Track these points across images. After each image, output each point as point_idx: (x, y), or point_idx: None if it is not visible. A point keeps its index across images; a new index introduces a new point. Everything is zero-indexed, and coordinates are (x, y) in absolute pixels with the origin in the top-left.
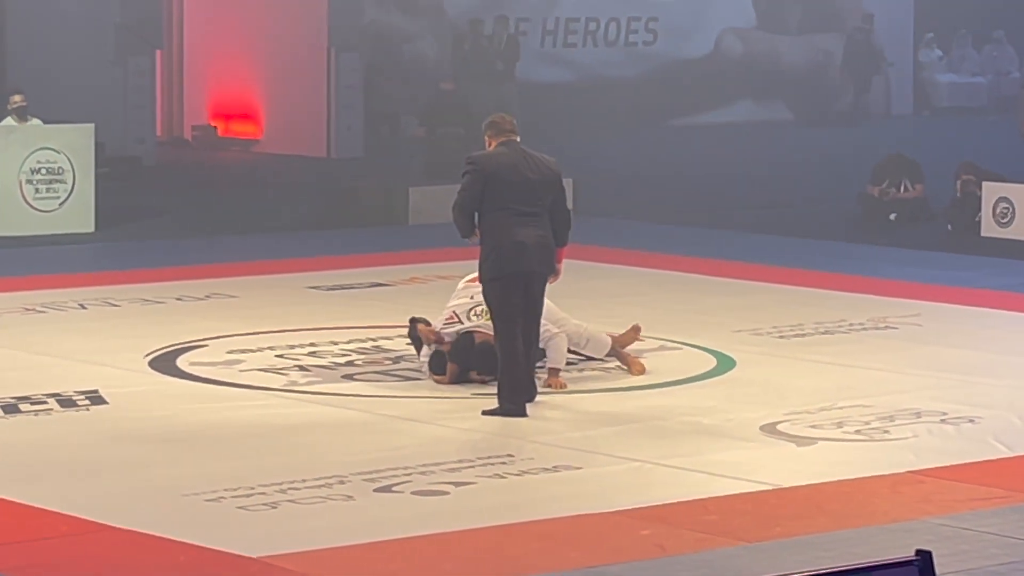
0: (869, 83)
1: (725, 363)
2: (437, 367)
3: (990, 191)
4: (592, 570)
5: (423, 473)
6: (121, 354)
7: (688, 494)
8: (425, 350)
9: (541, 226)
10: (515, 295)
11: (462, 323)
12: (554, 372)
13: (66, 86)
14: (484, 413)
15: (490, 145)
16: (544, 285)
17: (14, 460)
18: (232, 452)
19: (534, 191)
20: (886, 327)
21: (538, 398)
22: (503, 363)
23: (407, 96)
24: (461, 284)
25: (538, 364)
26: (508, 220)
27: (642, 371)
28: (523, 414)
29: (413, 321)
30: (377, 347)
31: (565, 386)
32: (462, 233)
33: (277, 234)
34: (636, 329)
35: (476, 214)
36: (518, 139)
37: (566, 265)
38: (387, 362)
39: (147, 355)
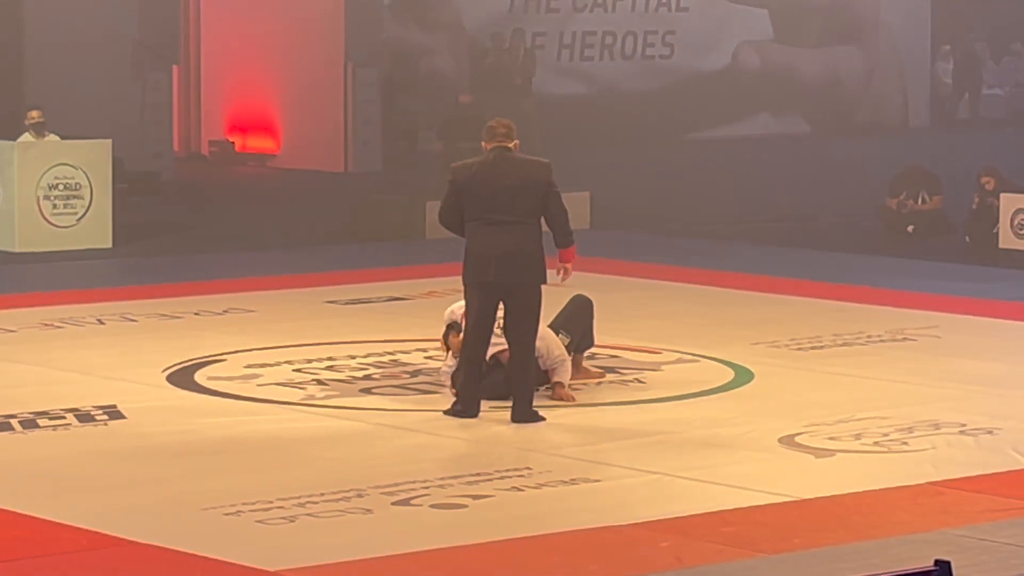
0: (979, 91)
1: (743, 375)
2: (458, 381)
3: (1008, 203)
4: None
5: (441, 486)
6: (139, 369)
7: (706, 506)
8: (449, 362)
9: (517, 235)
10: (482, 304)
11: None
12: (559, 385)
13: (84, 102)
14: (444, 413)
15: (485, 149)
16: (528, 295)
17: (33, 475)
18: (250, 466)
19: (512, 199)
20: (904, 339)
21: (556, 412)
22: (464, 369)
23: (425, 110)
24: None
25: (540, 387)
26: (479, 229)
27: (568, 399)
28: (469, 415)
29: (450, 327)
30: (395, 361)
31: (574, 399)
32: (443, 225)
33: (295, 249)
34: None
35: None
36: (511, 144)
37: (584, 278)
38: (405, 376)
39: (165, 370)
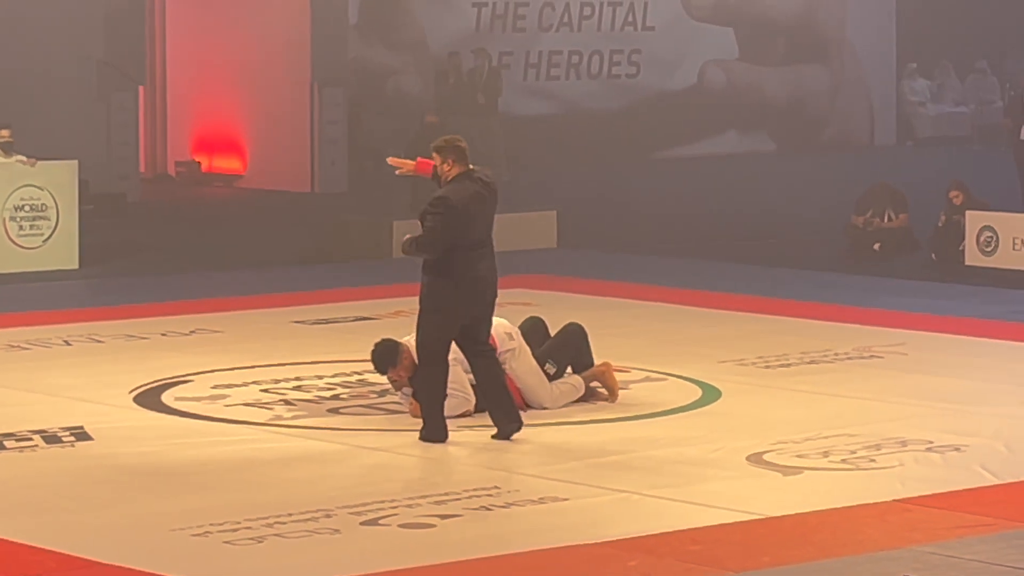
0: None
1: (711, 393)
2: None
3: (974, 220)
4: None
5: (409, 506)
6: (106, 390)
7: (674, 524)
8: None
9: (493, 258)
10: (452, 330)
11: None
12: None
13: (50, 123)
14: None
15: (450, 171)
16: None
17: None
18: (218, 487)
19: (489, 220)
20: (871, 356)
21: (524, 431)
22: (426, 396)
23: (391, 130)
24: None
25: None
26: (468, 255)
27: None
28: (440, 439)
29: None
30: (362, 381)
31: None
32: (431, 255)
33: (262, 269)
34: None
35: None
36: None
37: (551, 297)
38: (372, 395)
39: (132, 391)
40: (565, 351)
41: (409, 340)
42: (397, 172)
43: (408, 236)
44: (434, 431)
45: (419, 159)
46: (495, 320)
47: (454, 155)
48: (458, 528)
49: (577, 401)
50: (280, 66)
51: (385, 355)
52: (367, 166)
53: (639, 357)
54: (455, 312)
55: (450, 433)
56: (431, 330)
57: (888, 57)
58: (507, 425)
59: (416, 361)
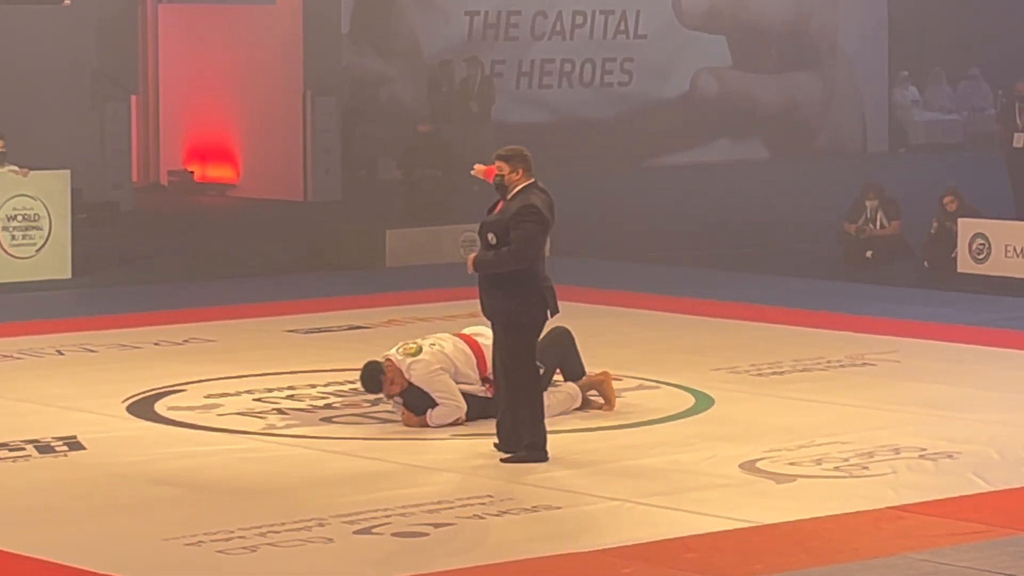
0: None
1: (704, 401)
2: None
3: (966, 227)
4: None
5: (403, 515)
6: (99, 399)
7: (668, 532)
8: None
9: None
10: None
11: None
12: None
13: (42, 132)
14: (504, 461)
15: (519, 177)
16: None
17: None
18: (211, 496)
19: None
20: (864, 364)
21: None
22: (536, 412)
23: (384, 139)
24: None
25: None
26: (541, 265)
27: None
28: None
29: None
30: (355, 390)
31: None
32: (521, 264)
33: (255, 278)
34: None
35: None
36: None
37: None
38: (365, 404)
39: (125, 400)
40: (551, 354)
41: (392, 354)
42: (473, 173)
43: (478, 253)
44: (542, 451)
45: (488, 167)
46: (484, 330)
47: (524, 165)
48: (452, 537)
49: (572, 410)
50: (273, 75)
51: (373, 378)
52: (360, 174)
53: (632, 365)
54: (543, 323)
55: (442, 441)
56: (532, 343)
57: (880, 64)
58: (512, 447)
59: (403, 372)
